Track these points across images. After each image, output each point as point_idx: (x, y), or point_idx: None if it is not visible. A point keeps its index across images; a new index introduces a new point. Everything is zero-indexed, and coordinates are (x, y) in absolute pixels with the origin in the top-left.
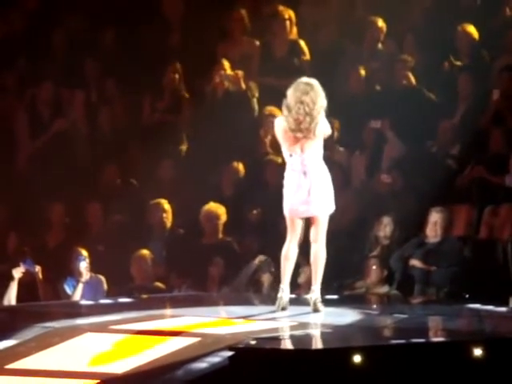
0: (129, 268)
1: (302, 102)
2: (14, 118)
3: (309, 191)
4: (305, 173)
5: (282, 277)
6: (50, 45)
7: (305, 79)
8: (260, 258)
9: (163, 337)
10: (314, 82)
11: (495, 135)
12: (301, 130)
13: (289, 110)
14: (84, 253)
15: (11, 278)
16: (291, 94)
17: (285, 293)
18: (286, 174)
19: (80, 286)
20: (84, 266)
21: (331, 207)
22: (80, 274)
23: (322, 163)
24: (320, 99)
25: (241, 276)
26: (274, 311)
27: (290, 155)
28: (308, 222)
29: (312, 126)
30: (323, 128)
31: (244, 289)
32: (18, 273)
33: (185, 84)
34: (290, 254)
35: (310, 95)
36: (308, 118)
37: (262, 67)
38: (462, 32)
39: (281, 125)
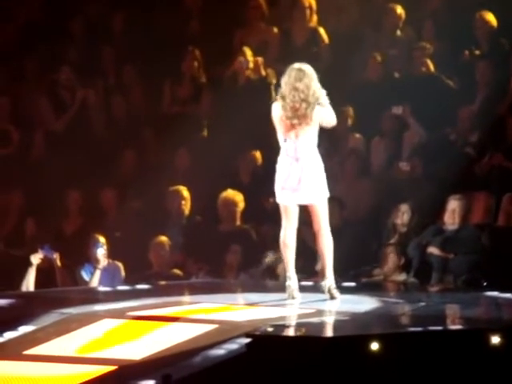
0: (146, 254)
1: (296, 89)
2: (32, 104)
3: (300, 178)
4: (297, 159)
5: (286, 265)
6: (69, 31)
7: (297, 65)
8: (269, 258)
9: (180, 322)
10: (306, 66)
11: None
12: (297, 117)
13: (283, 98)
14: (101, 239)
15: (29, 263)
16: (285, 81)
17: (292, 280)
18: (279, 160)
19: (97, 273)
20: (101, 252)
21: (325, 194)
22: (97, 261)
23: (315, 150)
24: (314, 83)
25: (255, 270)
26: (286, 299)
27: (285, 140)
28: (308, 212)
29: (308, 111)
30: (321, 114)
31: (260, 277)
32: (36, 259)
33: (204, 71)
34: (287, 241)
35: (303, 81)
36: (304, 104)
37: (281, 54)
38: (480, 19)
39: (277, 111)
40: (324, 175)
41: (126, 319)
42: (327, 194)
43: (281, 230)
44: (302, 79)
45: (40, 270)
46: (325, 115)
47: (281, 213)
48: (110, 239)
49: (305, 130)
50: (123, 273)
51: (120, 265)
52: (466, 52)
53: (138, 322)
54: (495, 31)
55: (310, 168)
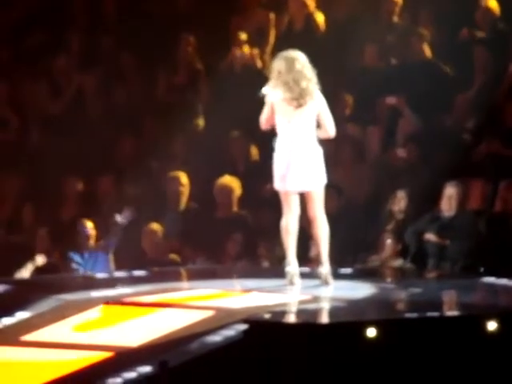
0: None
1: (293, 70)
2: (31, 90)
3: (300, 165)
4: (297, 145)
5: (286, 251)
6: (67, 17)
7: (284, 53)
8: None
9: (176, 308)
10: (293, 51)
11: (511, 109)
12: (302, 96)
13: (285, 82)
14: (89, 224)
15: (28, 251)
16: (279, 68)
17: (292, 266)
18: (278, 146)
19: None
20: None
21: (323, 180)
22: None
23: (314, 136)
24: (306, 63)
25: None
26: (285, 285)
27: (284, 124)
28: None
29: (310, 86)
30: (323, 102)
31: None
32: (40, 260)
33: (200, 58)
34: (289, 228)
35: (297, 61)
36: (304, 81)
37: (278, 40)
38: (482, 5)
39: (277, 95)
40: (323, 161)
41: (122, 305)
42: (325, 181)
43: (282, 218)
44: (296, 60)
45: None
46: (326, 113)
47: (281, 200)
48: (106, 226)
49: (307, 111)
50: (111, 259)
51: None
52: (464, 38)
53: (133, 307)
54: (496, 17)
55: (310, 154)
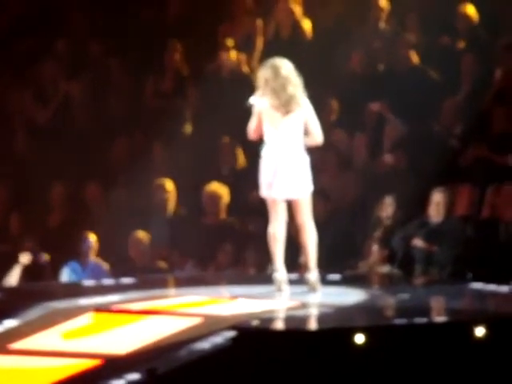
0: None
1: (280, 76)
2: (16, 97)
3: (287, 172)
4: (284, 152)
5: (274, 258)
6: (55, 25)
7: (270, 60)
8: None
9: (164, 316)
10: (279, 59)
11: (498, 114)
12: (289, 103)
13: (272, 90)
14: (92, 237)
15: (17, 260)
16: (266, 76)
17: (280, 273)
18: (265, 153)
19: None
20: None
21: (310, 187)
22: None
23: (301, 144)
24: (292, 70)
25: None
26: (273, 291)
27: (272, 131)
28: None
29: (297, 93)
30: (310, 109)
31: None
32: (25, 259)
33: (187, 64)
34: (277, 235)
35: (284, 68)
36: (291, 87)
37: (265, 47)
38: (461, 13)
39: (264, 103)
40: (309, 168)
41: (110, 312)
42: (312, 188)
43: (269, 225)
44: (282, 67)
45: (25, 267)
46: (314, 121)
47: (268, 207)
48: (94, 233)
49: (294, 118)
50: (107, 270)
51: (104, 263)
52: (451, 44)
53: (122, 315)
54: (477, 24)
55: (297, 162)
